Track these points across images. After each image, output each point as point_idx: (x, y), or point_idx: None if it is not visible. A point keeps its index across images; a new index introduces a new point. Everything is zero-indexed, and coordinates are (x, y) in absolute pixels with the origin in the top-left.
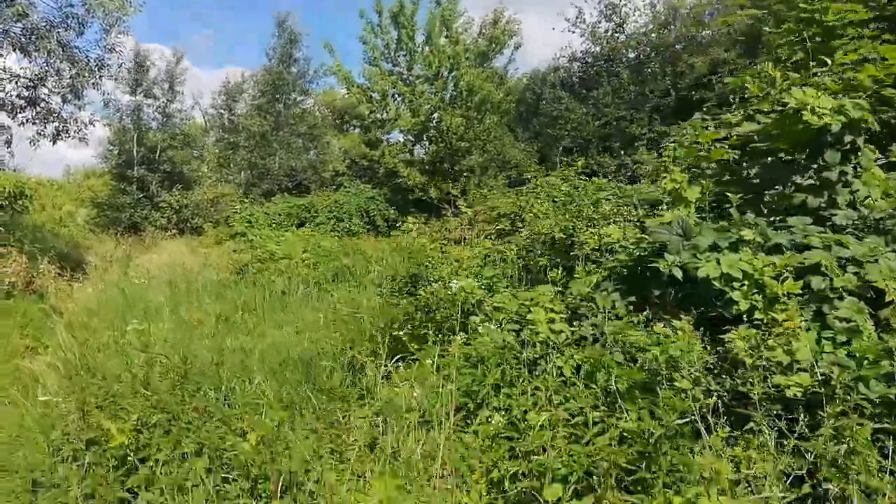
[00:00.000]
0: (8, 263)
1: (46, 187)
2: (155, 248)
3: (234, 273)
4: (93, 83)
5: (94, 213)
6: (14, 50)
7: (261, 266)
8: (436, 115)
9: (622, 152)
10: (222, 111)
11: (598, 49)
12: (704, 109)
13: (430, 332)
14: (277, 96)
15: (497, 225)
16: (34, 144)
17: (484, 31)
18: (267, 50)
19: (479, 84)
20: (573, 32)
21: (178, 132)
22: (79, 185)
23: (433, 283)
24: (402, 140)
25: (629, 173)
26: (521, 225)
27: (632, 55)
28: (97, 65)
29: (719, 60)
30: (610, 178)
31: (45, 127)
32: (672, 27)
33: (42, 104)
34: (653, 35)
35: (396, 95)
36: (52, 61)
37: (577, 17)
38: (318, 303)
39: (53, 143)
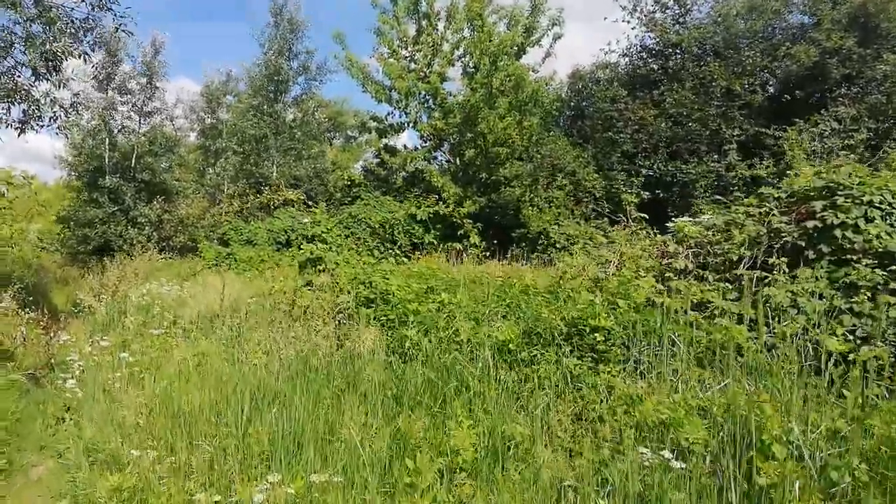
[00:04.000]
0: None
1: None
2: (150, 274)
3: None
4: (78, 53)
5: (57, 229)
6: None
7: (372, 312)
8: (475, 115)
9: (700, 159)
10: (203, 115)
11: (657, 41)
12: None
13: None
14: (276, 94)
15: None
16: None
17: (515, 19)
18: (262, 42)
19: (527, 79)
20: (628, 22)
21: (159, 135)
22: (29, 197)
23: None
24: (421, 145)
25: (720, 181)
26: None
27: (714, 42)
28: (83, 27)
29: (829, 49)
30: (694, 188)
31: (9, 110)
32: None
33: (5, 79)
34: (739, 21)
35: (422, 94)
36: (20, 19)
37: (634, 4)
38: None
39: (20, 133)
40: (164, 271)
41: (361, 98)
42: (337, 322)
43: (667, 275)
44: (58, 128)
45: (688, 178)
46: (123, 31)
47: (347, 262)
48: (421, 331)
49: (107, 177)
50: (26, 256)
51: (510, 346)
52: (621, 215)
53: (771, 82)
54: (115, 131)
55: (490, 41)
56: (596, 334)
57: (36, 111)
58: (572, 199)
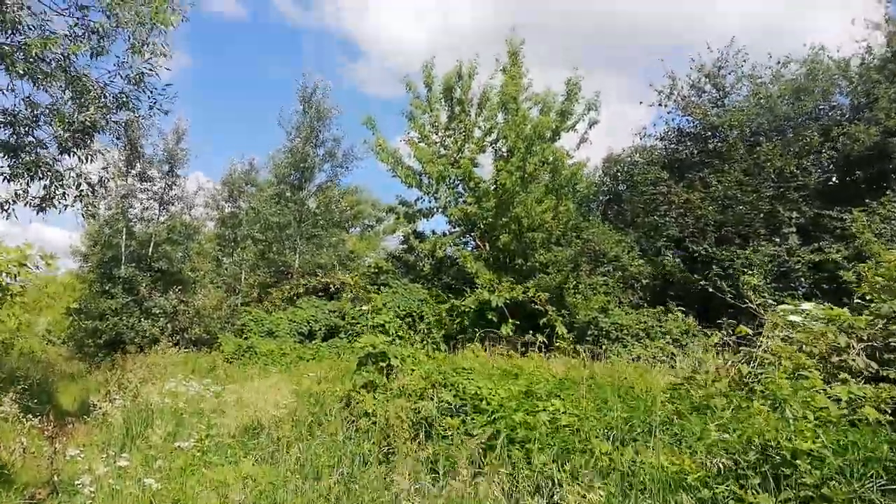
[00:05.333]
0: None
1: None
2: (165, 370)
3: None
4: (109, 127)
5: (66, 322)
6: None
7: (461, 424)
8: (510, 199)
9: (749, 243)
10: (223, 203)
11: (696, 124)
12: None
13: None
14: (302, 181)
15: None
16: (5, 211)
17: (549, 103)
18: (288, 129)
19: (564, 162)
20: (664, 106)
21: (178, 223)
22: (39, 291)
23: None
24: (449, 231)
25: (781, 267)
26: None
27: (758, 124)
28: (117, 102)
29: (891, 128)
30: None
31: (29, 185)
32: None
33: (25, 154)
34: (782, 102)
35: (452, 179)
36: (51, 90)
37: (671, 88)
38: None
39: (39, 211)
40: (181, 366)
41: (380, 187)
42: (419, 438)
43: (841, 376)
44: (84, 206)
45: (746, 263)
46: (159, 109)
47: (414, 357)
48: (551, 456)
49: (122, 266)
50: (34, 350)
51: (688, 479)
52: (670, 301)
53: (827, 164)
54: (133, 220)
55: (525, 124)
56: (798, 462)
57: (59, 187)
58: (621, 285)
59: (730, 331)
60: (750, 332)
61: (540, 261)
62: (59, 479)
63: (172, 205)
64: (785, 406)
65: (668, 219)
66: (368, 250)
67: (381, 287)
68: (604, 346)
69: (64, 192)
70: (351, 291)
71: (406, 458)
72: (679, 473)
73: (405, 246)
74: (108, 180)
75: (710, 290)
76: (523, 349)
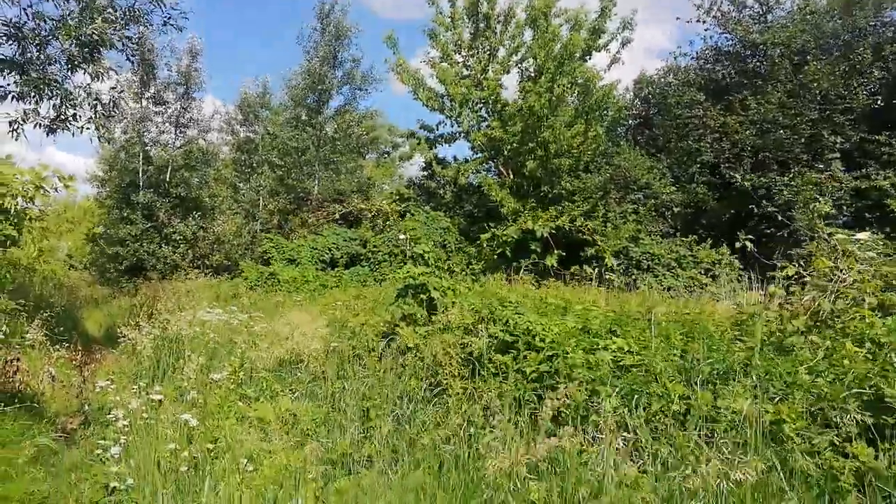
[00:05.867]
0: None
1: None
2: (190, 296)
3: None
4: (119, 40)
5: (87, 247)
6: None
7: (512, 362)
8: (537, 123)
9: (789, 170)
10: (238, 128)
11: (735, 43)
12: None
13: None
14: (319, 105)
15: None
16: (15, 132)
17: (580, 20)
18: (306, 48)
19: (595, 84)
20: (703, 22)
21: (196, 148)
22: (59, 216)
23: None
24: (471, 157)
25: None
26: None
27: (804, 42)
28: (127, 16)
29: None
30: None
31: (39, 104)
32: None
33: (33, 68)
34: (829, 19)
35: (476, 102)
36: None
37: (712, 3)
38: None
39: (49, 133)
40: (205, 293)
41: (395, 114)
42: (469, 374)
43: None
44: (98, 128)
45: (787, 190)
46: (172, 25)
47: (454, 289)
48: (619, 398)
49: (140, 192)
50: (56, 275)
51: (784, 429)
52: (700, 230)
53: (876, 86)
54: (150, 144)
55: (555, 42)
56: None
57: (70, 107)
58: (651, 214)
59: (776, 260)
60: (831, 264)
61: (566, 188)
62: (88, 407)
63: (189, 128)
64: (888, 349)
65: (702, 144)
66: (385, 177)
67: (403, 215)
68: (634, 276)
69: (76, 113)
70: (376, 219)
71: (457, 397)
72: (776, 422)
73: (426, 173)
74: (121, 100)
75: (750, 217)
76: (554, 279)
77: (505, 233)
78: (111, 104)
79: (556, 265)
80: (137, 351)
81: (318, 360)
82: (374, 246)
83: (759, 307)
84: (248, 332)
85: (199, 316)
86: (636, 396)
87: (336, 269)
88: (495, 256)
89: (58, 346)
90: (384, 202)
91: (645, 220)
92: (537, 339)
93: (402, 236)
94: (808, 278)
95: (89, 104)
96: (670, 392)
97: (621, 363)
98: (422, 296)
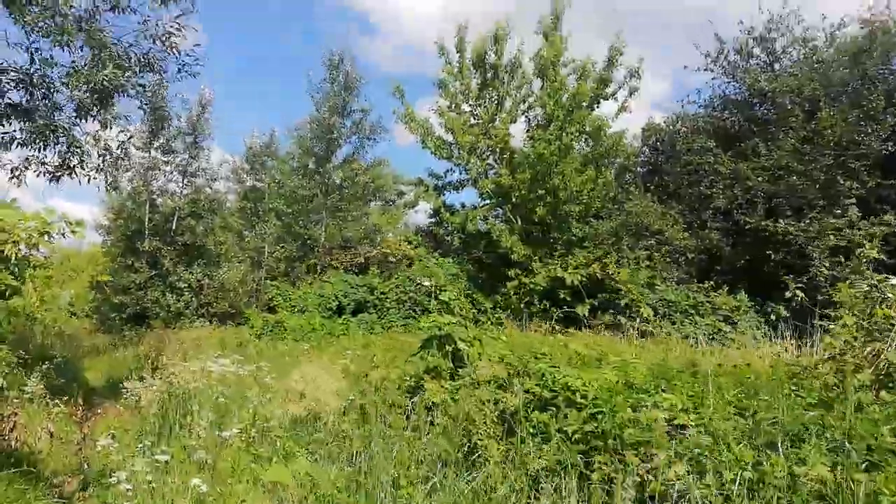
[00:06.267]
0: None
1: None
2: (197, 345)
3: None
4: (136, 87)
5: (89, 296)
6: None
7: (552, 421)
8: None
9: (803, 216)
10: (245, 176)
11: (743, 91)
12: None
13: None
14: (328, 153)
15: None
16: (17, 178)
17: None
18: (315, 98)
19: (605, 131)
20: (711, 71)
21: (203, 197)
22: (62, 264)
23: None
24: (479, 204)
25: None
26: None
27: (812, 90)
28: (142, 63)
29: None
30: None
31: (44, 151)
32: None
33: (40, 115)
34: (842, 67)
35: (484, 150)
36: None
37: (719, 53)
38: None
39: (53, 180)
40: (209, 343)
41: (399, 162)
42: (504, 434)
43: None
44: (105, 176)
45: (804, 236)
46: (187, 72)
47: (480, 340)
48: (685, 463)
49: (146, 239)
50: (59, 323)
51: (884, 501)
52: (715, 276)
53: (888, 132)
54: (157, 193)
55: (563, 91)
56: None
57: (77, 154)
58: (666, 260)
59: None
60: (892, 313)
61: (576, 235)
62: (88, 467)
63: (196, 177)
64: None
65: (714, 190)
66: (390, 225)
67: (411, 262)
68: (651, 324)
69: (82, 161)
70: (384, 264)
71: (494, 461)
72: (871, 494)
73: (434, 220)
74: (130, 147)
75: (765, 263)
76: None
77: (533, 281)
78: (121, 151)
79: (586, 314)
80: (142, 406)
81: (338, 418)
82: (382, 293)
83: (812, 358)
84: (258, 386)
85: (205, 367)
86: (702, 462)
87: (343, 316)
88: (521, 305)
89: (57, 401)
90: (400, 243)
91: (659, 267)
92: (577, 395)
93: (426, 283)
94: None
95: (98, 152)
96: (738, 457)
97: (674, 422)
98: (447, 347)
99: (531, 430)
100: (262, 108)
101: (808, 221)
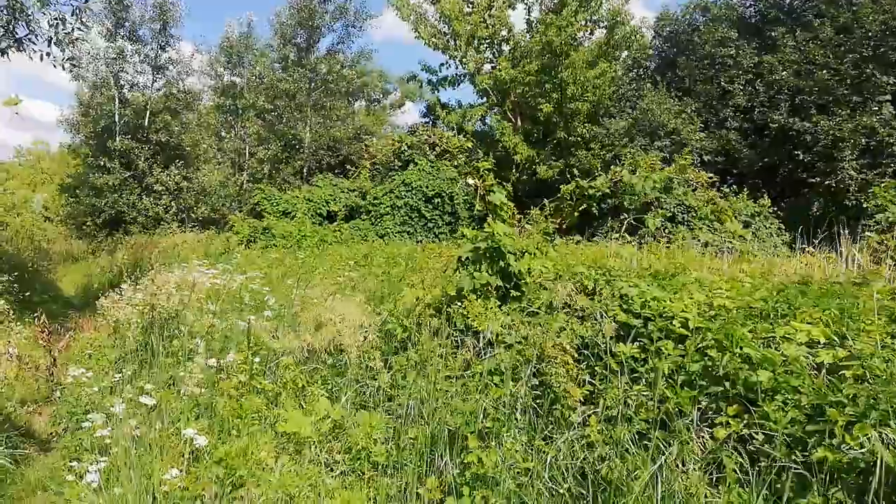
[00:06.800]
0: None
1: None
2: (177, 251)
3: None
4: None
5: (62, 199)
6: None
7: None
8: (555, 61)
9: (832, 113)
10: (222, 70)
11: None
12: None
13: None
14: (309, 43)
15: None
16: None
17: None
18: None
19: (625, 18)
20: None
21: (176, 90)
22: (33, 167)
23: None
24: (477, 102)
25: (871, 141)
26: None
27: None
28: None
29: None
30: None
31: None
32: None
33: None
34: None
35: (485, 39)
36: None
37: None
38: None
39: (2, 54)
40: (192, 249)
41: (384, 59)
42: (587, 378)
43: None
44: (61, 47)
45: (833, 135)
46: None
47: (531, 253)
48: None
49: (117, 138)
50: (29, 229)
51: None
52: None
53: None
54: (126, 86)
55: None
56: None
57: (22, 18)
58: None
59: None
60: None
61: (584, 135)
62: (60, 395)
63: (167, 69)
64: None
65: (735, 85)
66: (376, 126)
67: (406, 165)
68: (668, 230)
69: (31, 31)
70: (373, 167)
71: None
72: None
73: (428, 119)
74: (87, 20)
75: (784, 165)
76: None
77: (591, 185)
78: (76, 20)
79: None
80: (120, 325)
81: (365, 351)
82: (375, 198)
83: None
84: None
85: (193, 278)
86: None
87: (335, 222)
88: (576, 214)
89: (22, 321)
90: (452, 139)
91: (674, 169)
92: (674, 320)
93: (470, 181)
94: None
95: (49, 21)
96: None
97: (816, 360)
98: (500, 263)
99: (615, 369)
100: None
101: (838, 120)
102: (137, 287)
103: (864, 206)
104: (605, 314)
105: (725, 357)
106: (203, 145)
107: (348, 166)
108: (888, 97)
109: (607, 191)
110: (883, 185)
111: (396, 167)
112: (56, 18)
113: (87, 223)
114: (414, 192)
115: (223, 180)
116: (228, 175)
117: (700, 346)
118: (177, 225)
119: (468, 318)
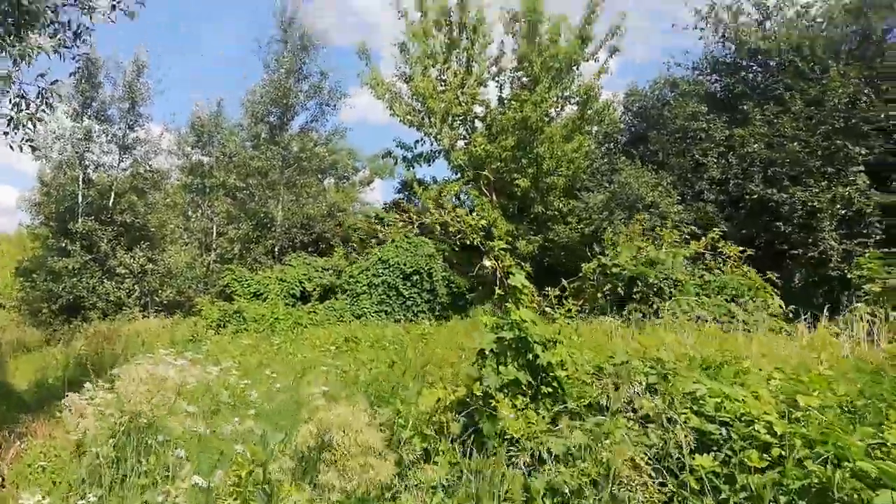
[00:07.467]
0: None
1: None
2: (141, 339)
3: None
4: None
5: (16, 283)
6: None
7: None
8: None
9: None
10: (190, 148)
11: (733, 53)
12: None
13: None
14: (283, 121)
15: None
16: None
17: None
18: (267, 60)
19: (596, 94)
20: (701, 30)
21: (143, 170)
22: None
23: None
24: (452, 178)
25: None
26: None
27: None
28: None
29: None
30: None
31: None
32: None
33: None
34: (842, 24)
35: (460, 115)
36: None
37: (709, 12)
38: None
39: None
40: (157, 336)
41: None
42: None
43: None
44: (21, 126)
45: (811, 206)
46: (122, 9)
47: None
48: None
49: (79, 219)
50: None
51: None
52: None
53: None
54: (91, 166)
55: (553, 45)
56: None
57: None
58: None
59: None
60: None
61: (559, 209)
62: None
63: (135, 149)
64: None
65: (708, 158)
66: (346, 202)
67: (382, 241)
68: (654, 305)
69: None
70: (348, 244)
71: None
72: None
73: (403, 195)
74: (52, 98)
75: (765, 237)
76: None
77: (615, 262)
78: (41, 100)
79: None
80: (83, 437)
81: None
82: (351, 276)
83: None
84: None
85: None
86: None
87: (309, 303)
88: (598, 295)
89: None
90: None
91: (656, 242)
92: (759, 425)
93: (486, 264)
94: None
95: (11, 98)
96: None
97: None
98: (528, 355)
99: (695, 488)
100: (212, 77)
101: (815, 191)
102: (98, 385)
103: (849, 276)
104: (675, 420)
105: (837, 474)
106: (170, 225)
107: (321, 244)
108: (861, 167)
109: (633, 268)
110: (867, 254)
111: (372, 244)
112: (18, 96)
113: (43, 309)
114: (391, 269)
115: (190, 261)
116: (195, 256)
117: (798, 457)
118: (139, 310)
119: (505, 426)
